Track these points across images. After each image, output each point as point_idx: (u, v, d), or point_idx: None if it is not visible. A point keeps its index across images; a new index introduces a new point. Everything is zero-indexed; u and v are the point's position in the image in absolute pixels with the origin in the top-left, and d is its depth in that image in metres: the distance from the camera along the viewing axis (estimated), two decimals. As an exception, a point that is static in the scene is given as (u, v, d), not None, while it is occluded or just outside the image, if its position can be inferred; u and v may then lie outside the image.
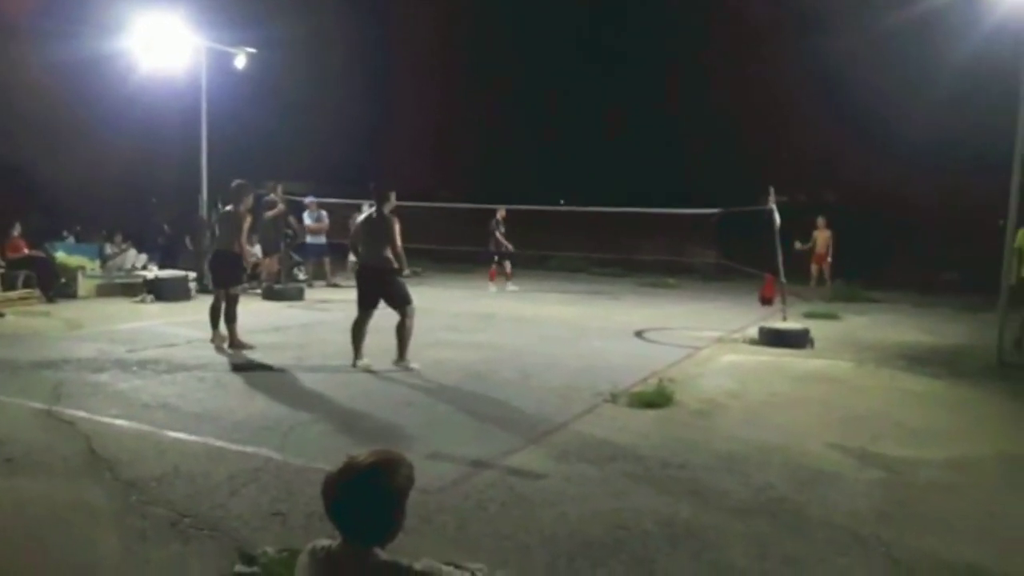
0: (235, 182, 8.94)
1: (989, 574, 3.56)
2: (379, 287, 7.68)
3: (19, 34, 16.34)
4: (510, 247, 15.73)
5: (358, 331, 7.76)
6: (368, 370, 7.53)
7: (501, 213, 15.77)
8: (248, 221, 8.73)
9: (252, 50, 14.23)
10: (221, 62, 14.26)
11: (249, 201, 8.83)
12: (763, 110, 22.96)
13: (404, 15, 25.65)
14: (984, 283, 12.28)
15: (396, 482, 2.04)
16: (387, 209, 7.73)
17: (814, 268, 15.80)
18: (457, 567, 2.20)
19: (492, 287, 15.78)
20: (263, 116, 20.45)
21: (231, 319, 8.60)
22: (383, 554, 2.02)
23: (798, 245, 15.32)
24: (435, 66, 26.22)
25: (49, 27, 15.32)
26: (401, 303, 7.66)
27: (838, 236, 15.82)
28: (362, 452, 2.10)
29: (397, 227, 7.60)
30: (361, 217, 8.19)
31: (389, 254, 7.57)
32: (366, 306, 7.75)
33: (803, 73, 22.08)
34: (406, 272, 7.94)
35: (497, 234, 15.58)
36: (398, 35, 26.07)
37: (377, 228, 7.67)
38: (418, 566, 1.99)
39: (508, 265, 16.00)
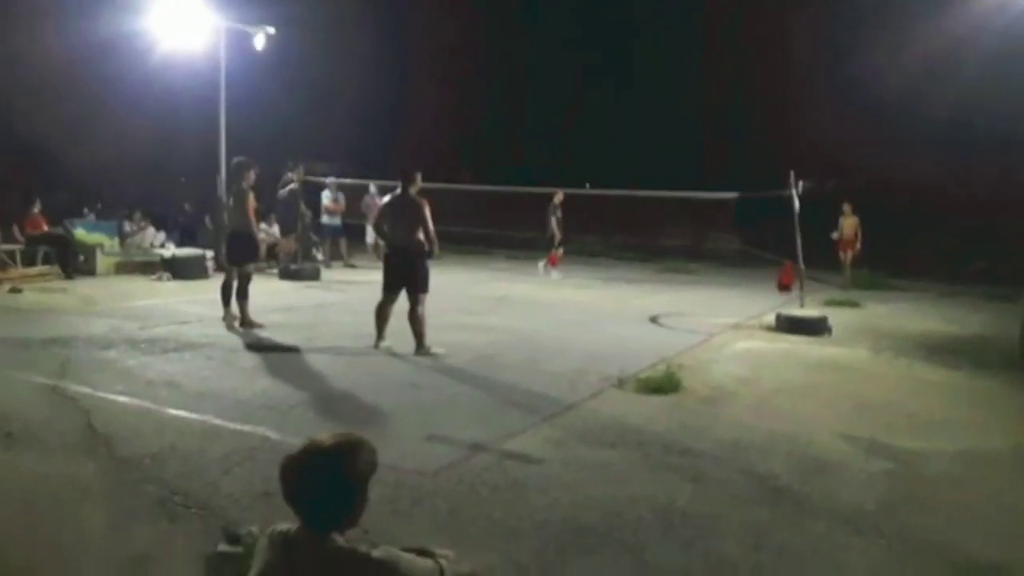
0: (235, 160, 8.93)
1: (991, 569, 3.45)
2: (407, 270, 7.49)
3: (38, 11, 16.43)
4: (558, 234, 15.14)
5: (382, 313, 7.63)
6: (390, 352, 7.47)
7: (558, 197, 15.12)
8: (252, 198, 8.69)
9: (271, 29, 14.18)
10: (240, 42, 14.24)
11: (251, 177, 8.73)
12: (787, 97, 22.58)
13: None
14: (1013, 273, 12.00)
15: (356, 467, 1.97)
16: (413, 190, 7.54)
17: (842, 256, 15.55)
18: (423, 553, 2.14)
19: (553, 272, 15.40)
20: (282, 96, 20.47)
21: (243, 297, 8.60)
22: (341, 540, 1.96)
23: (835, 236, 15.41)
24: (456, 47, 26.03)
25: (68, 4, 15.40)
26: (419, 290, 7.46)
27: (865, 223, 15.59)
28: (324, 434, 2.04)
29: (427, 208, 7.42)
30: (385, 199, 8.07)
31: (420, 236, 7.40)
32: (392, 289, 7.57)
33: (826, 59, 21.69)
34: (436, 254, 7.71)
35: (553, 219, 15.15)
36: (418, 13, 25.91)
37: (405, 210, 7.48)
38: (376, 553, 1.93)
39: (558, 251, 15.48)
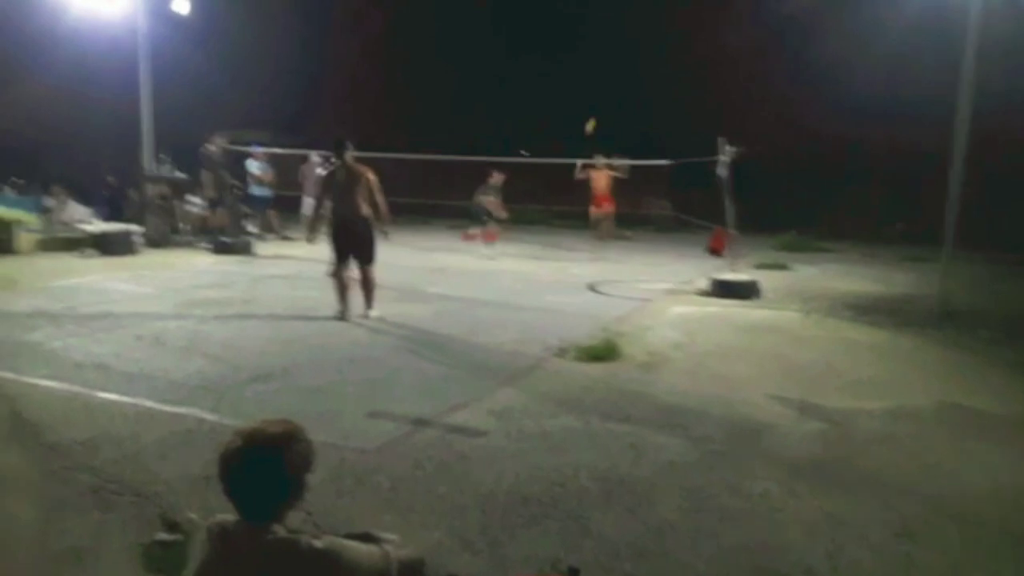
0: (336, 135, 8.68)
1: (918, 530, 3.59)
2: (355, 240, 7.73)
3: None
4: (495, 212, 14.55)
5: (339, 281, 7.84)
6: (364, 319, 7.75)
7: (493, 178, 14.35)
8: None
9: (193, -8, 13.65)
10: (160, 7, 13.66)
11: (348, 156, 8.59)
12: (721, 62, 22.76)
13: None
14: (931, 234, 12.42)
15: (288, 458, 1.93)
16: (349, 158, 7.69)
17: (593, 211, 13.67)
18: (367, 538, 2.12)
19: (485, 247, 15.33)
20: (207, 63, 19.75)
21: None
22: (282, 531, 1.92)
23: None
24: (385, 10, 25.42)
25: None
26: (368, 260, 7.81)
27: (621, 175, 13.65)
28: (258, 424, 2.00)
29: (373, 176, 7.65)
30: (322, 171, 8.48)
31: (365, 207, 7.64)
32: (343, 258, 7.81)
33: (759, 25, 21.92)
34: (387, 226, 7.99)
35: (483, 197, 14.88)
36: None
37: (350, 180, 7.63)
38: (318, 544, 1.90)
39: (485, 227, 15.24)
